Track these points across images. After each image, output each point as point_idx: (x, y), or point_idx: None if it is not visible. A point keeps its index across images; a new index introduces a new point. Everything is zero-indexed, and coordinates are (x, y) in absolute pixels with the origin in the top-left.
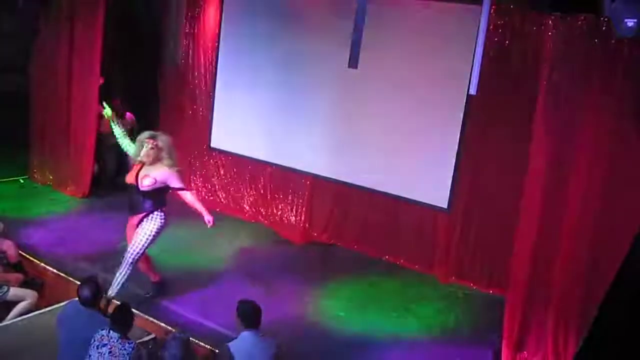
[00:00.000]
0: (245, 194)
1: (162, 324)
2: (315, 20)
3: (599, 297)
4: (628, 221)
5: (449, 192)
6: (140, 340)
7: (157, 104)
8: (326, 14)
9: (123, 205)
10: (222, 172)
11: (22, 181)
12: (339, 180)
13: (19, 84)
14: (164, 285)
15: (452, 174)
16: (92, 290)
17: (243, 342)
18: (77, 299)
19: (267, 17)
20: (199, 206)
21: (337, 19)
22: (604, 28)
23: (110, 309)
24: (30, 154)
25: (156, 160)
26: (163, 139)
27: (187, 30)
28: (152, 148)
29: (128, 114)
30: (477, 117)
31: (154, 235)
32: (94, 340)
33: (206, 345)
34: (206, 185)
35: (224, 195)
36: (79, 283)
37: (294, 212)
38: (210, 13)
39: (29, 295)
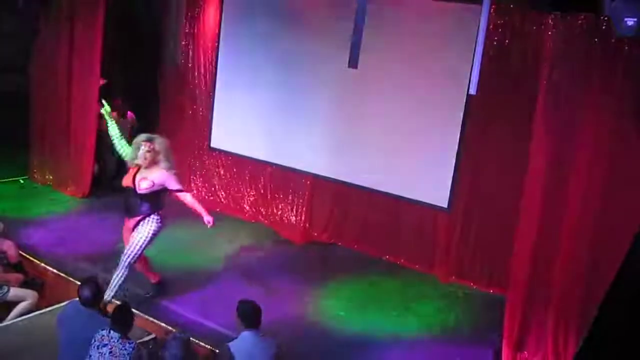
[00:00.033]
0: (246, 193)
1: (163, 324)
2: (315, 21)
3: (599, 296)
4: (628, 221)
5: (449, 191)
6: (141, 340)
7: (157, 104)
8: (326, 14)
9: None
10: (222, 172)
11: (22, 181)
12: (339, 180)
13: (19, 84)
14: (164, 285)
15: (452, 174)
16: (92, 291)
17: (243, 342)
18: (77, 299)
19: (267, 17)
20: (198, 207)
21: (337, 19)
22: (604, 27)
23: (110, 309)
24: (30, 154)
25: (153, 163)
26: (160, 142)
27: (187, 30)
28: (148, 151)
29: (129, 113)
30: (477, 116)
31: (150, 239)
32: (95, 341)
33: (206, 345)
34: (206, 185)
35: (224, 195)
36: (79, 283)
37: (294, 211)
38: (210, 13)
39: (29, 296)
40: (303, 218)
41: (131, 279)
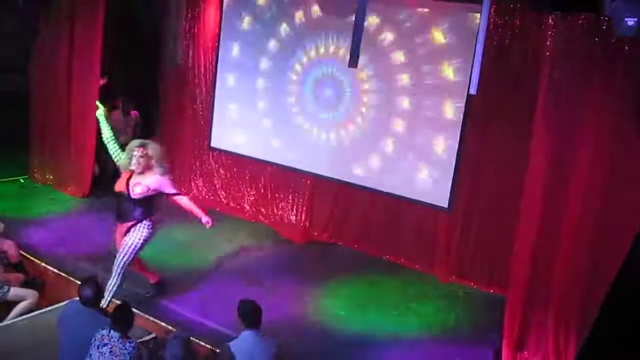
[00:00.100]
0: (246, 193)
1: (163, 324)
2: (315, 20)
3: (600, 296)
4: (628, 220)
5: (449, 191)
6: (141, 340)
7: (157, 104)
8: (326, 14)
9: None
10: (222, 171)
11: (22, 181)
12: (340, 180)
13: (19, 84)
14: (164, 285)
15: (452, 174)
16: (92, 290)
17: (244, 341)
18: (77, 298)
19: (267, 17)
20: (195, 209)
21: (337, 19)
22: (604, 27)
23: (111, 309)
24: (31, 154)
25: (146, 168)
26: (153, 147)
27: (187, 30)
28: (142, 156)
29: (133, 111)
30: (477, 116)
31: (141, 245)
32: (95, 340)
33: (207, 345)
34: (206, 184)
35: (224, 194)
36: (79, 283)
37: (295, 211)
38: (210, 13)
39: (29, 295)
40: (303, 218)
41: (131, 279)
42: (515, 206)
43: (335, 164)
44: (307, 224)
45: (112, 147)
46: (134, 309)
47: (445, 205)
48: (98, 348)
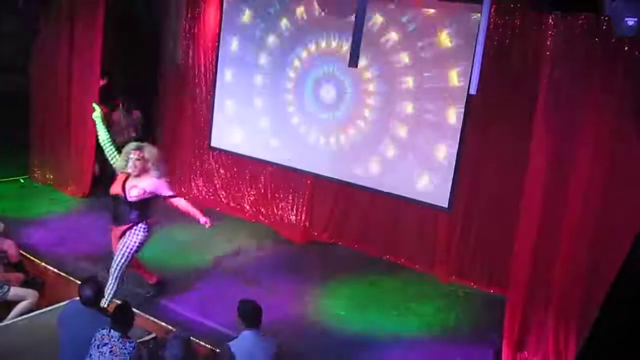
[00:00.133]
0: (246, 193)
1: (163, 324)
2: (315, 20)
3: (600, 296)
4: (629, 220)
5: (449, 191)
6: (141, 340)
7: (157, 104)
8: (326, 14)
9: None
10: (222, 171)
11: (22, 181)
12: (340, 180)
13: (19, 84)
14: (164, 285)
15: (452, 174)
16: (93, 290)
17: (244, 341)
18: (77, 298)
19: (268, 17)
20: (192, 210)
21: (337, 18)
22: (604, 27)
23: (111, 309)
24: (31, 154)
25: (143, 171)
26: (149, 150)
27: (187, 30)
28: (138, 159)
29: (135, 111)
30: (477, 116)
31: (137, 248)
32: (95, 340)
33: (207, 345)
34: (206, 184)
35: (224, 194)
36: (79, 283)
37: (295, 211)
38: (210, 13)
39: (29, 295)
40: (303, 218)
41: (132, 279)
42: (515, 206)
43: (335, 164)
44: (307, 224)
45: (109, 150)
46: (134, 309)
47: (446, 205)
48: (98, 348)
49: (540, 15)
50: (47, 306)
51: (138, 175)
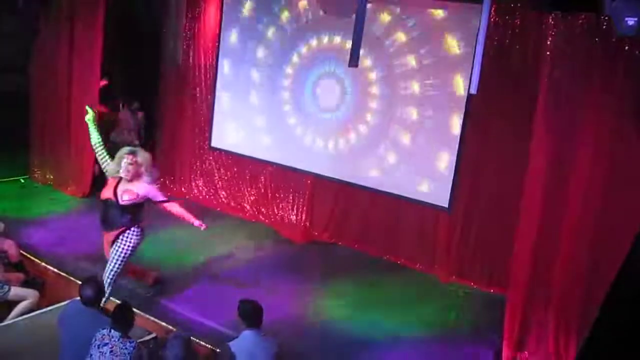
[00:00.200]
0: (246, 193)
1: (163, 324)
2: (315, 20)
3: (600, 297)
4: (629, 220)
5: (449, 191)
6: (141, 340)
7: (157, 104)
8: (327, 13)
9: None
10: (222, 171)
11: (22, 181)
12: (340, 180)
13: (19, 84)
14: (164, 285)
15: (452, 174)
16: (93, 290)
17: (244, 341)
18: (78, 298)
19: (268, 17)
20: (186, 214)
21: (337, 18)
22: (604, 27)
23: (111, 308)
24: (31, 154)
25: (135, 176)
26: (142, 155)
27: (187, 30)
28: (131, 163)
29: (139, 112)
30: (477, 116)
31: (130, 252)
32: (95, 340)
33: (207, 345)
34: (207, 184)
35: (224, 194)
36: (79, 283)
37: (295, 211)
38: (211, 13)
39: (30, 295)
40: (304, 217)
41: (132, 279)
42: (515, 206)
43: (335, 164)
44: (308, 223)
45: (100, 153)
46: (134, 309)
47: (446, 205)
48: (99, 348)
49: (540, 15)
50: (47, 306)
51: (130, 180)
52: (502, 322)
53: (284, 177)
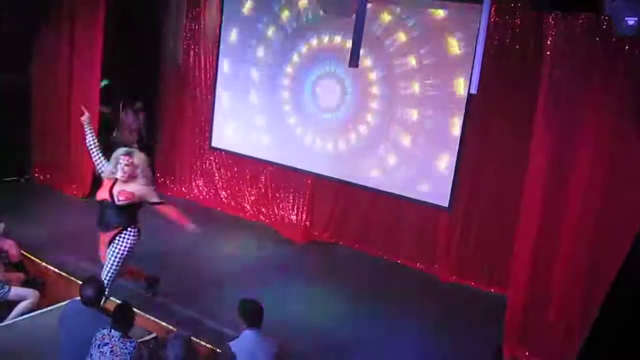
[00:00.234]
0: (246, 193)
1: (163, 323)
2: (315, 20)
3: (600, 296)
4: (629, 220)
5: (449, 191)
6: (142, 340)
7: (157, 104)
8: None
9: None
10: (222, 171)
11: (22, 181)
12: (340, 180)
13: (19, 84)
14: (164, 285)
15: (452, 174)
16: (94, 290)
17: (245, 341)
18: (78, 298)
19: (268, 17)
20: (181, 218)
21: (337, 18)
22: (604, 26)
23: (111, 308)
24: (31, 154)
25: (131, 177)
26: (138, 156)
27: (187, 30)
28: (127, 164)
29: (142, 112)
30: (477, 116)
31: (127, 253)
32: (95, 340)
33: (207, 345)
34: (207, 184)
35: (224, 194)
36: (80, 282)
37: (295, 211)
38: (211, 13)
39: (30, 295)
40: (304, 217)
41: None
42: (515, 206)
43: (335, 164)
44: (308, 223)
45: (95, 153)
46: (134, 309)
47: (446, 205)
48: (99, 348)
49: (540, 15)
50: (47, 306)
51: (125, 182)
52: (502, 322)
53: (284, 177)
